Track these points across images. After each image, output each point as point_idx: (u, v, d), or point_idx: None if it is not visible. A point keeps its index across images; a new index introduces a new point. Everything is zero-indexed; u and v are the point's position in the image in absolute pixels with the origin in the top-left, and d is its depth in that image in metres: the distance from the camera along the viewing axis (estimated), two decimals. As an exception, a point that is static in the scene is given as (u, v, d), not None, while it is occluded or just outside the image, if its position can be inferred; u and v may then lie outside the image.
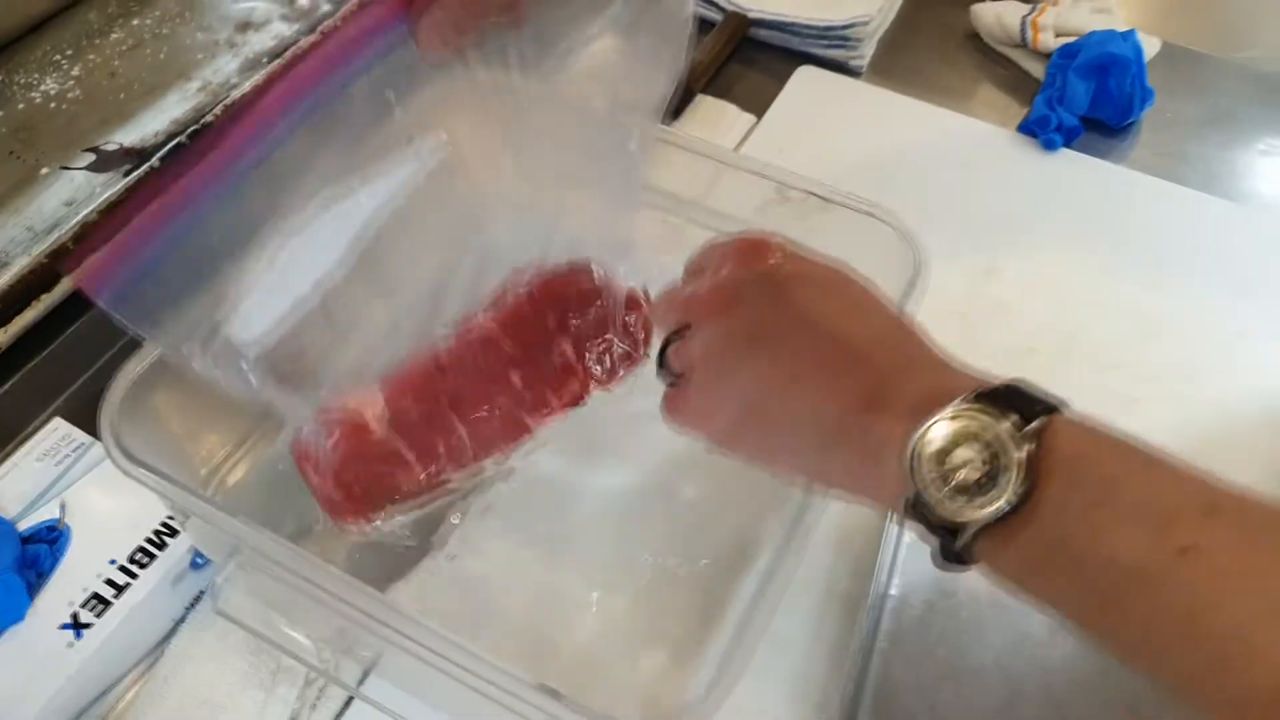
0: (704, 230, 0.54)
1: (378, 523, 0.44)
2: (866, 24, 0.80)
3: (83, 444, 0.54)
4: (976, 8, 0.84)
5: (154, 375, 0.40)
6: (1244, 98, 0.81)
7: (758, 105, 0.77)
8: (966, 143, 0.76)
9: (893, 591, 0.51)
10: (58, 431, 0.54)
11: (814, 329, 0.34)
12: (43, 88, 0.70)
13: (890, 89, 0.80)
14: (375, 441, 0.43)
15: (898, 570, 0.52)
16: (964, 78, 0.82)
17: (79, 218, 0.59)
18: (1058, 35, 0.79)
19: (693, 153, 0.53)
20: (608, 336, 0.45)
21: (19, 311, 0.56)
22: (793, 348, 0.34)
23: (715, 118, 0.76)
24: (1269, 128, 0.78)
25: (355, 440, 0.43)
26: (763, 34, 0.82)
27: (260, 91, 0.39)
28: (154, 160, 0.62)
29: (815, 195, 0.47)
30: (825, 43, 0.80)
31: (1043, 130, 0.75)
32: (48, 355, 0.58)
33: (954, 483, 0.29)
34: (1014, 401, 0.30)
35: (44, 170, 0.63)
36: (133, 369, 0.39)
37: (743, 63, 0.81)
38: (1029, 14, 0.81)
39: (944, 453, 0.29)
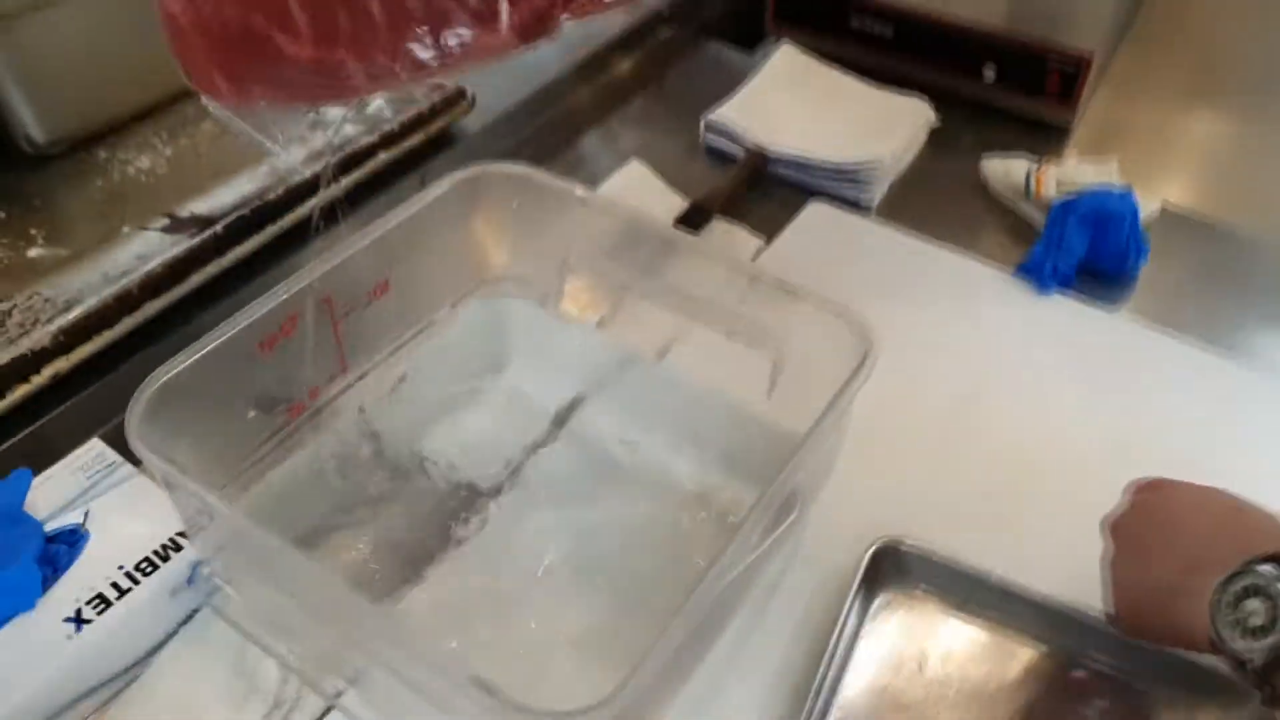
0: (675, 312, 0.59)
1: (249, 104, 0.36)
2: (877, 167, 0.86)
3: (114, 463, 0.60)
4: (986, 160, 0.90)
5: (181, 383, 0.46)
6: (1239, 262, 0.85)
7: (769, 231, 0.84)
8: (964, 281, 0.81)
9: (845, 680, 0.54)
10: (93, 450, 0.61)
11: (1165, 524, 0.48)
12: (138, 164, 0.80)
13: (896, 228, 0.86)
14: None
15: (851, 664, 0.54)
16: (969, 222, 0.87)
17: (146, 269, 0.67)
18: (1059, 188, 0.85)
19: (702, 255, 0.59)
20: None
21: (81, 343, 0.64)
22: (1150, 537, 0.48)
23: (728, 239, 0.82)
24: (1260, 291, 0.82)
25: None
26: (780, 170, 0.89)
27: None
28: (218, 227, 0.71)
29: (783, 289, 0.52)
30: (838, 180, 0.87)
31: (1037, 274, 0.80)
32: (101, 385, 0.65)
33: (1244, 626, 0.40)
34: None
35: (125, 229, 0.72)
36: (161, 374, 0.45)
37: (760, 192, 0.88)
38: (1034, 168, 0.87)
39: (1236, 601, 0.41)
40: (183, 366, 0.45)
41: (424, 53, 0.35)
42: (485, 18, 0.35)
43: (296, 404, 0.53)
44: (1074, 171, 0.86)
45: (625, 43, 1.05)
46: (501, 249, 0.64)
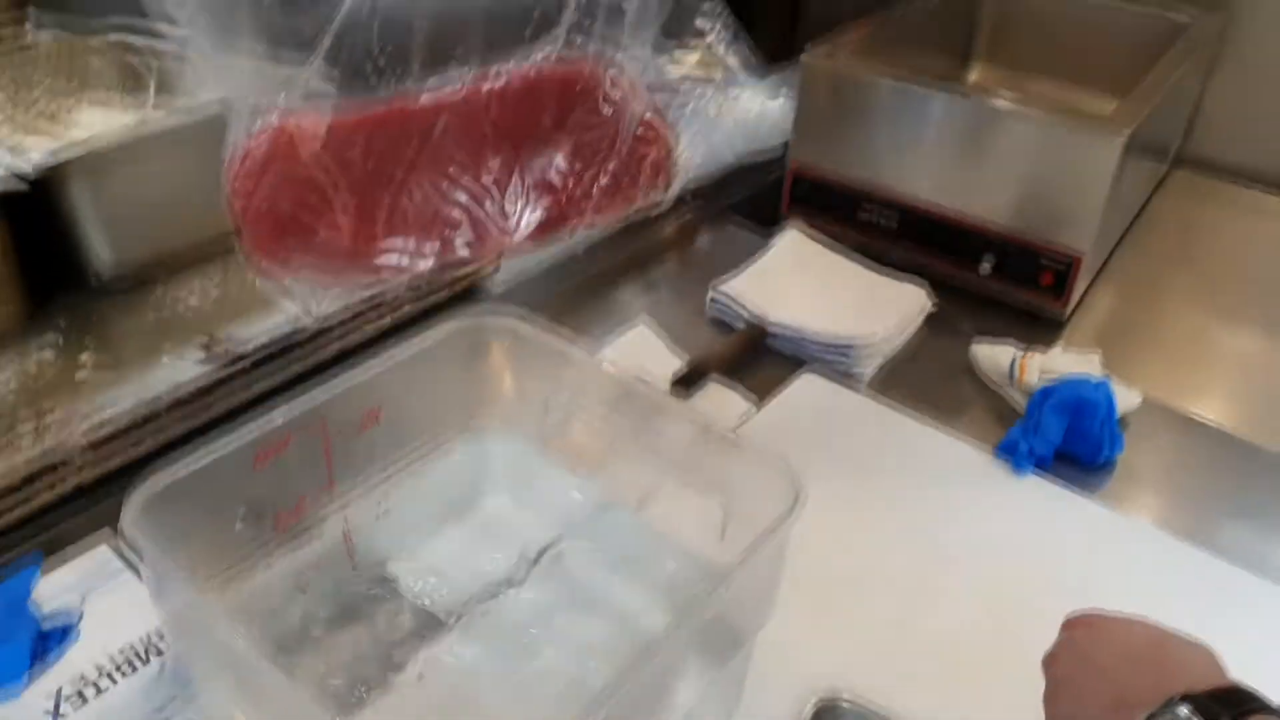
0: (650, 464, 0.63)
1: (289, 280, 0.39)
2: (868, 343, 0.92)
3: (116, 567, 0.65)
4: (976, 345, 0.95)
5: (179, 485, 0.51)
6: (1216, 457, 0.87)
7: (762, 396, 0.89)
8: (943, 456, 0.85)
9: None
10: (100, 553, 0.66)
11: (1093, 660, 0.49)
12: (188, 300, 0.88)
13: (884, 402, 0.90)
14: (301, 173, 0.37)
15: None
16: (956, 402, 0.91)
17: (176, 394, 0.74)
18: (1041, 375, 0.89)
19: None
20: (609, 160, 0.39)
21: (106, 455, 0.70)
22: (1080, 674, 0.50)
23: (720, 400, 0.87)
24: (1237, 488, 0.84)
25: (277, 165, 0.37)
26: (778, 341, 0.95)
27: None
28: (247, 361, 0.78)
29: (728, 441, 0.57)
30: (831, 353, 0.93)
31: (1013, 454, 0.83)
32: (119, 493, 0.70)
33: None
34: (1229, 700, 0.41)
35: (165, 357, 0.79)
36: (161, 474, 0.50)
37: (757, 360, 0.94)
38: (1019, 355, 0.91)
39: None
40: (182, 471, 0.51)
41: (452, 250, 0.40)
42: (504, 225, 0.40)
43: (283, 514, 0.57)
44: (1056, 361, 0.90)
45: (645, 223, 1.14)
46: (496, 393, 0.69)
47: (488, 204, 0.39)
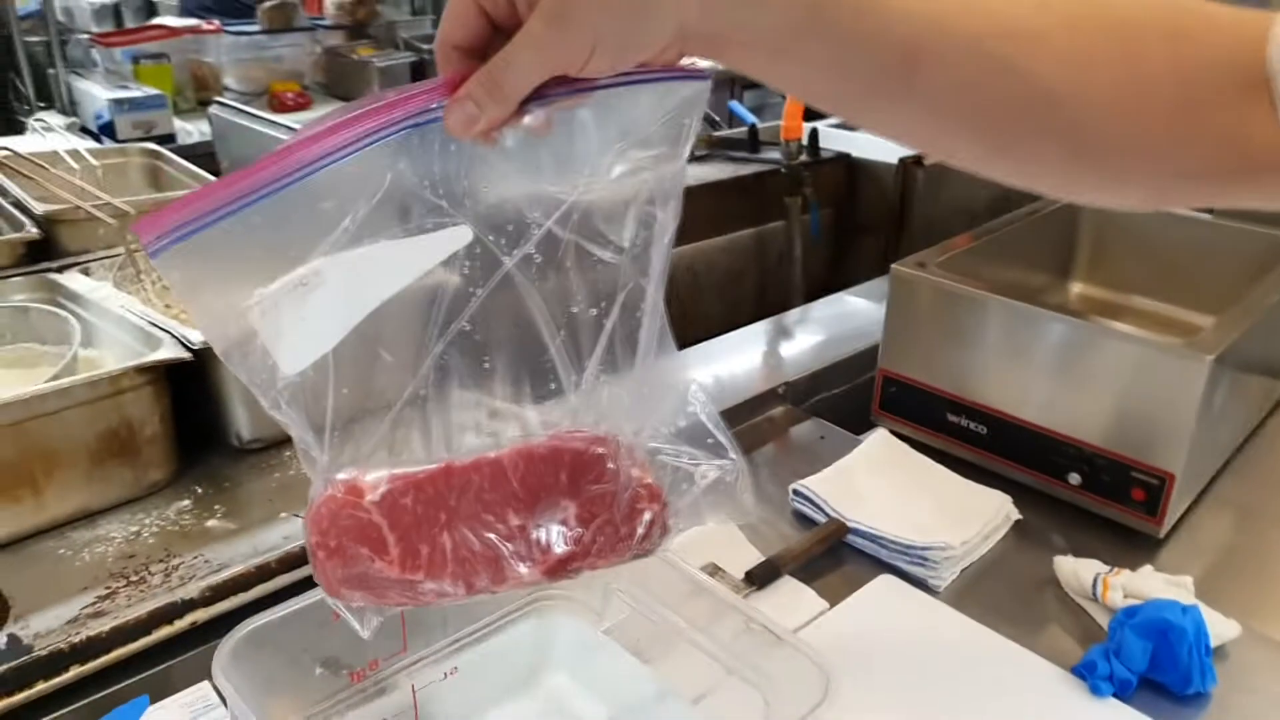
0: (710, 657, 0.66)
1: (352, 605, 0.49)
2: (945, 550, 0.92)
3: (214, 704, 0.71)
4: (1058, 559, 0.94)
5: (266, 633, 0.57)
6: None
7: (834, 597, 0.90)
8: (1017, 671, 0.83)
9: None
10: (201, 691, 0.72)
11: None
12: (312, 465, 0.98)
13: (960, 610, 0.90)
14: (363, 517, 0.47)
15: None
16: (1034, 616, 0.90)
17: (285, 547, 0.82)
18: (1126, 596, 0.87)
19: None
20: (609, 516, 0.49)
21: (220, 600, 0.77)
22: None
23: (794, 597, 0.89)
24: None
25: (346, 510, 0.48)
26: (856, 541, 0.97)
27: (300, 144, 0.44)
28: (353, 523, 0.85)
29: (770, 631, 0.59)
30: (908, 558, 0.93)
31: (1091, 675, 0.81)
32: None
33: None
34: None
35: (283, 514, 0.88)
36: (251, 621, 0.57)
37: (833, 558, 0.95)
38: (1102, 573, 0.90)
39: None
40: (269, 618, 0.57)
41: (479, 583, 0.50)
42: (517, 570, 0.50)
43: (358, 671, 0.62)
44: (1143, 582, 0.88)
45: (737, 417, 1.19)
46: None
47: (507, 549, 0.50)
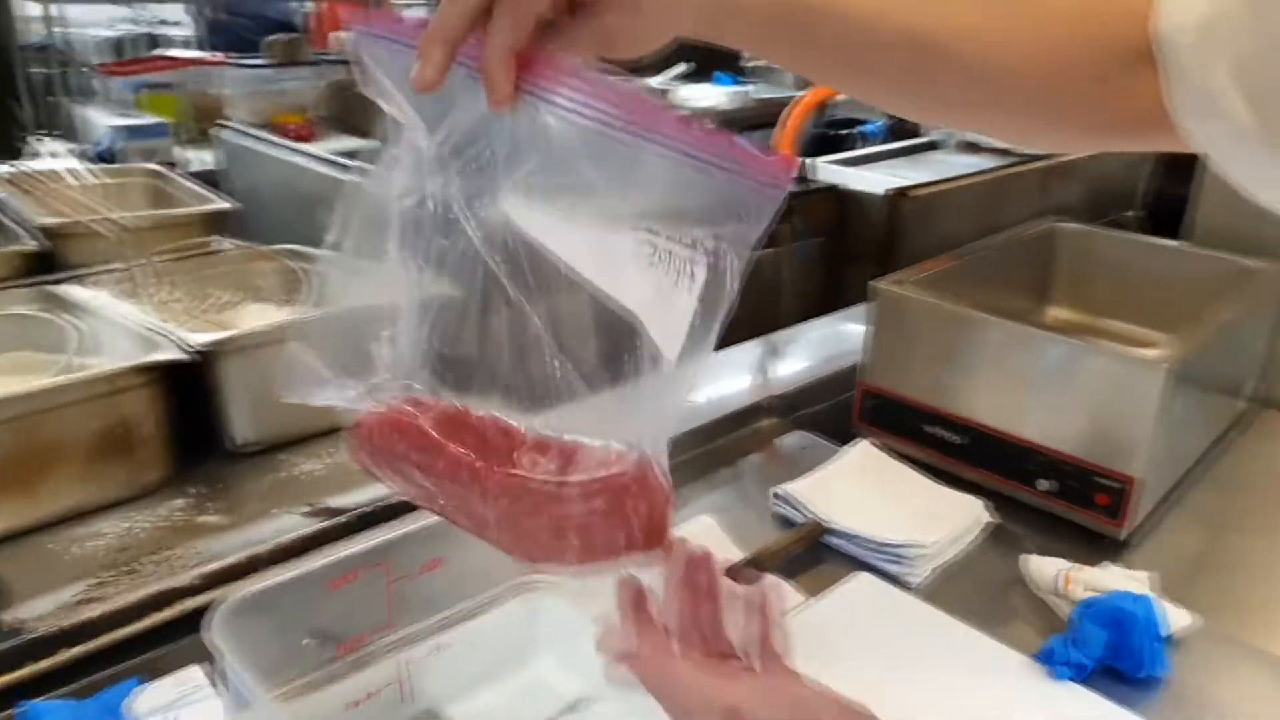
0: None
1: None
2: (919, 548, 0.96)
3: (203, 687, 0.73)
4: (1026, 557, 0.97)
5: (259, 600, 0.60)
6: (1272, 690, 0.85)
7: (813, 592, 0.93)
8: (985, 660, 0.86)
9: None
10: (192, 674, 0.75)
11: None
12: (304, 467, 1.01)
13: (933, 605, 0.93)
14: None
15: None
16: (1002, 610, 0.93)
17: (276, 540, 0.85)
18: (1086, 590, 0.90)
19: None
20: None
21: (212, 588, 0.80)
22: None
23: (774, 592, 0.92)
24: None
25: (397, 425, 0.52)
26: (835, 541, 1.00)
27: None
28: (344, 517, 0.88)
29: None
30: (883, 556, 0.97)
31: (1051, 661, 0.84)
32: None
33: None
34: None
35: (275, 511, 0.91)
36: (245, 589, 0.60)
37: (812, 556, 0.99)
38: (1067, 569, 0.93)
39: None
40: (263, 585, 0.60)
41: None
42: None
43: (346, 643, 0.65)
44: (1103, 577, 0.92)
45: (724, 428, 1.23)
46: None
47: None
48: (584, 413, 0.51)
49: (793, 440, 1.26)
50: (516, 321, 0.50)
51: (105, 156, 2.29)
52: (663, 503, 0.51)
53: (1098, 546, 1.04)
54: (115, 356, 1.04)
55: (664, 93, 2.97)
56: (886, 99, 0.56)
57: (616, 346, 0.48)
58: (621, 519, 0.50)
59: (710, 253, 0.45)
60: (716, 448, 1.21)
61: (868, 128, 2.52)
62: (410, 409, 0.52)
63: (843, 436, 1.24)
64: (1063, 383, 1.05)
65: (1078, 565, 0.94)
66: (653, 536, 0.52)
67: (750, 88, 3.16)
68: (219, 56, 2.71)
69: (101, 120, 2.33)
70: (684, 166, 0.44)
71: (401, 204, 0.49)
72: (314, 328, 0.54)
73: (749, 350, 1.48)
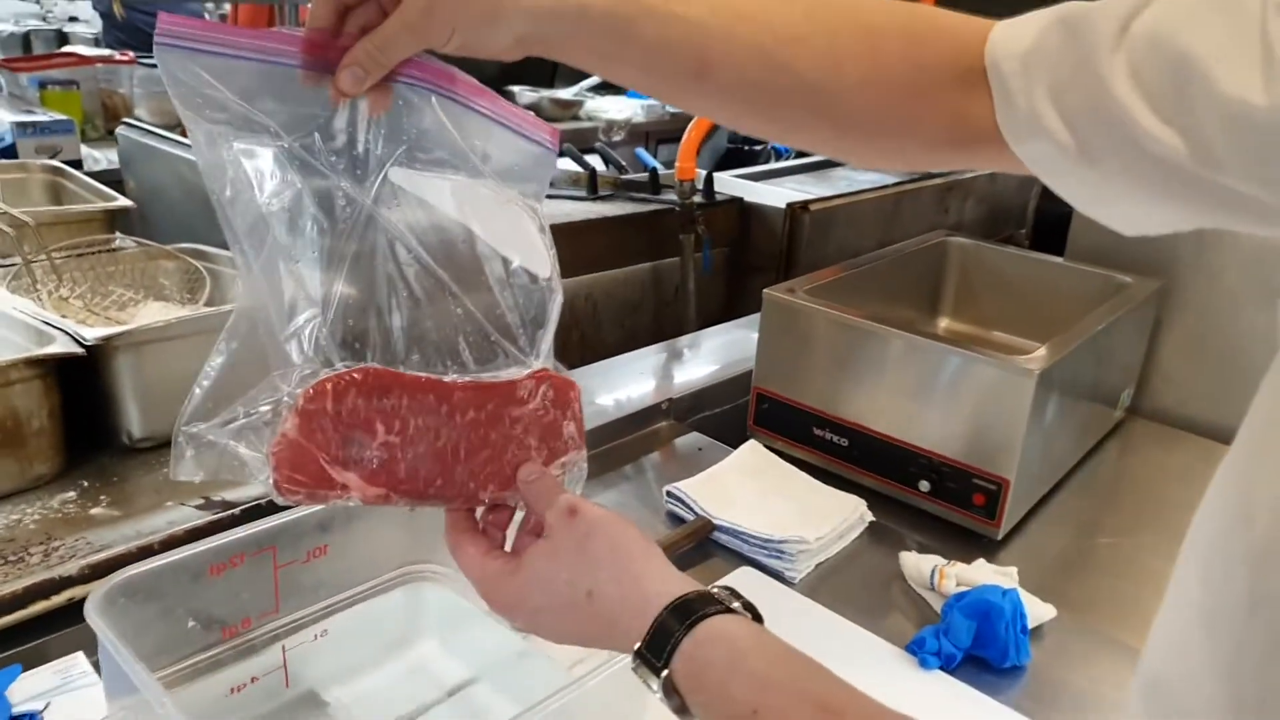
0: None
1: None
2: (801, 543, 1.00)
3: (86, 673, 0.74)
4: (903, 554, 1.02)
5: (141, 582, 0.61)
6: (1121, 675, 0.91)
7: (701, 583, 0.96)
8: (858, 650, 0.91)
9: None
10: (74, 661, 0.75)
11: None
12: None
13: (812, 600, 0.97)
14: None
15: None
16: (879, 604, 0.98)
17: (168, 531, 0.85)
18: (958, 584, 0.96)
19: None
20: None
21: (100, 577, 0.80)
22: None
23: (658, 584, 0.95)
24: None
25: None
26: (722, 538, 1.04)
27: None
28: (236, 510, 0.89)
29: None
30: (766, 552, 1.01)
31: (920, 650, 0.89)
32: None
33: None
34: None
35: (169, 504, 0.91)
36: (126, 570, 0.60)
37: (700, 552, 1.02)
38: (939, 565, 0.98)
39: None
40: (145, 568, 0.61)
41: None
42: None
43: (231, 627, 0.66)
44: (974, 572, 0.97)
45: (625, 429, 1.26)
46: (436, 545, 0.79)
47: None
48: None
49: (689, 441, 1.30)
50: (414, 289, 0.55)
51: (8, 154, 2.23)
52: (576, 394, 0.59)
53: (975, 545, 1.09)
54: (8, 350, 1.03)
55: (577, 104, 3.01)
56: (723, 111, 0.58)
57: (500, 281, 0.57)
58: (564, 405, 0.58)
59: (526, 205, 0.58)
60: (616, 447, 1.24)
61: (780, 145, 2.59)
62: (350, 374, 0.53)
63: (739, 439, 1.28)
64: (942, 388, 1.11)
65: (951, 561, 0.99)
66: (580, 426, 0.59)
67: (665, 102, 3.21)
68: (128, 55, 2.66)
69: (2, 116, 2.27)
70: (520, 138, 0.57)
71: (274, 205, 0.51)
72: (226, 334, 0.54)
73: (651, 355, 1.51)
